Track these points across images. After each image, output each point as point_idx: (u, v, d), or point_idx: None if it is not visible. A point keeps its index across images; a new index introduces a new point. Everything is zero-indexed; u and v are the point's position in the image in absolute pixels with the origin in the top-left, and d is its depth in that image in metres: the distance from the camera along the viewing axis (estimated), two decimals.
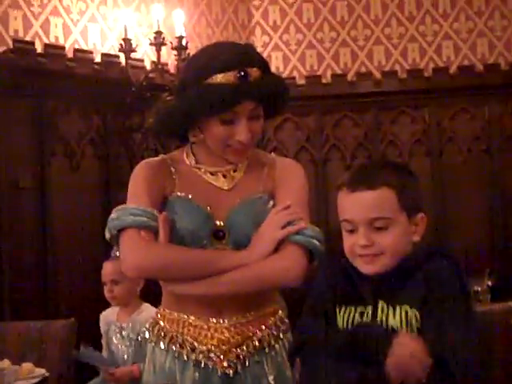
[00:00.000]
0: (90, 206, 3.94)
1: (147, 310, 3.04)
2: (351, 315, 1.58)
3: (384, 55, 4.79)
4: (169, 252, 1.75)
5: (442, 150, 4.63)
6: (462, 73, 4.68)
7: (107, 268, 3.10)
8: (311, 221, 1.80)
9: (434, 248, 1.59)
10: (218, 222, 1.79)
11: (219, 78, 1.72)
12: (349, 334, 1.53)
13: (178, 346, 1.81)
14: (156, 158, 1.92)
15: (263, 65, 1.79)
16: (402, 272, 1.55)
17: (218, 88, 1.71)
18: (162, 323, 1.86)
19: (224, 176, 1.85)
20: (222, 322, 1.80)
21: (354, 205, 1.56)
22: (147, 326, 1.92)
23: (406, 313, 1.53)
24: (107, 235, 1.80)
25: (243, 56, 1.75)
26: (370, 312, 1.57)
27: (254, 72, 1.75)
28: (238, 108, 1.73)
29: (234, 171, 1.86)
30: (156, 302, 3.06)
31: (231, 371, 1.78)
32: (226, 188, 1.84)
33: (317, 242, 1.76)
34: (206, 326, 1.80)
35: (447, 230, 4.33)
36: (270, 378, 1.81)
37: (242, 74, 1.72)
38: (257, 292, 1.80)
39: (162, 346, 1.83)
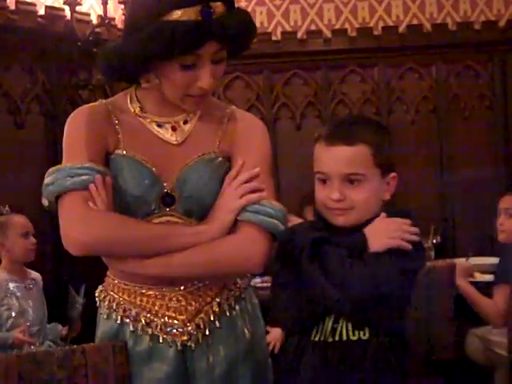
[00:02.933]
0: (36, 164, 3.83)
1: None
2: None
3: (334, 13, 4.76)
4: (115, 226, 1.50)
5: (390, 110, 4.65)
6: (410, 32, 4.68)
7: (21, 220, 3.18)
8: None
9: (403, 209, 1.66)
10: (165, 185, 1.58)
11: (178, 14, 1.43)
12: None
13: (131, 318, 1.61)
14: (96, 104, 1.64)
15: None
16: None
17: (178, 26, 1.42)
18: (113, 294, 1.64)
19: (173, 128, 1.61)
20: (176, 288, 1.61)
21: (330, 159, 1.57)
22: (96, 295, 1.70)
23: None
24: (45, 203, 1.56)
25: None
26: None
27: (218, 7, 1.47)
28: (202, 50, 1.47)
29: (185, 123, 1.62)
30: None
31: (192, 344, 1.60)
32: (175, 142, 1.60)
33: (280, 224, 1.56)
34: (160, 295, 1.60)
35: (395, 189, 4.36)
36: (231, 343, 1.65)
37: (207, 9, 1.44)
38: None
39: (115, 318, 1.63)
